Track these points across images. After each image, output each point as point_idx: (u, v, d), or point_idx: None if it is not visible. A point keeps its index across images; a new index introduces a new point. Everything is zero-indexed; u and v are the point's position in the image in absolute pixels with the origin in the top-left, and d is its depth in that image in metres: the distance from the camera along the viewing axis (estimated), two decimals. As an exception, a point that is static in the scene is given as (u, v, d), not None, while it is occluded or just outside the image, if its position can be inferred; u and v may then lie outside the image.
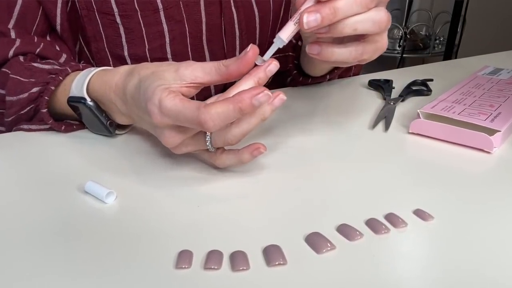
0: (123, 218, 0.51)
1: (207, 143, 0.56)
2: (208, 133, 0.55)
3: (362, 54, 0.58)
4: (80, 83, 0.66)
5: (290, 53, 0.90)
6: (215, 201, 0.55)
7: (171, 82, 0.53)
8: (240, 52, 0.88)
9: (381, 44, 0.60)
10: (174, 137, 0.55)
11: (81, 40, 0.82)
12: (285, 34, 0.56)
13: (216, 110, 0.49)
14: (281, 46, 0.56)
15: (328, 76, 0.90)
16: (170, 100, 0.51)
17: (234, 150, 0.58)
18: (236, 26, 0.86)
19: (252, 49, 0.53)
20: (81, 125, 0.72)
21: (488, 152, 0.65)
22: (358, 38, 0.59)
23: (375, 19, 0.55)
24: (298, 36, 0.90)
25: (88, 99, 0.66)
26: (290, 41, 0.91)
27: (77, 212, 0.53)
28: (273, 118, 0.77)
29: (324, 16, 0.52)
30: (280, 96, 0.53)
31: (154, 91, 0.53)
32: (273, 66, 0.54)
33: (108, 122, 0.67)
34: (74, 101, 0.67)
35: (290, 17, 0.56)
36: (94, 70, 0.67)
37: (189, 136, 0.56)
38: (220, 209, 0.53)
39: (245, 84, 0.53)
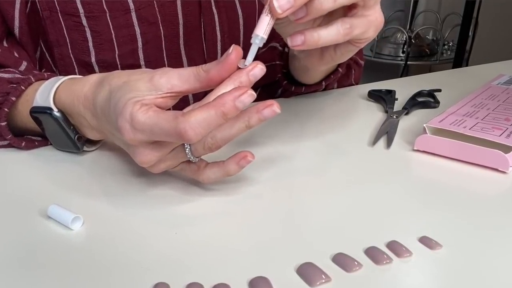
0: (92, 246, 0.51)
1: (187, 153, 0.56)
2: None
3: (351, 28, 0.58)
4: (46, 92, 0.66)
5: (277, 62, 0.91)
6: (195, 226, 0.55)
7: (145, 93, 0.53)
8: None
9: (374, 18, 0.60)
10: (149, 155, 0.55)
11: (42, 45, 0.82)
12: (261, 29, 0.55)
13: (196, 118, 0.49)
14: (261, 45, 0.56)
15: (323, 83, 0.90)
16: (143, 114, 0.51)
17: (218, 162, 0.58)
18: (217, 28, 0.87)
19: (234, 51, 0.52)
20: (44, 141, 0.72)
21: (504, 172, 0.66)
22: (345, 15, 0.59)
23: None
24: (284, 43, 0.90)
25: (55, 109, 0.65)
26: (276, 49, 0.91)
27: (39, 240, 0.52)
28: (262, 133, 0.77)
29: None
30: (272, 108, 0.52)
31: (125, 105, 0.53)
32: (258, 69, 0.53)
33: (76, 137, 0.67)
34: (39, 112, 0.66)
35: None
36: (62, 79, 0.66)
37: (166, 153, 0.56)
38: (200, 235, 0.53)
39: (225, 89, 0.52)
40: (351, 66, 0.96)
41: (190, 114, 0.49)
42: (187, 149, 0.56)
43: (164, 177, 0.63)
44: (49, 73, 0.72)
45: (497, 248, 0.51)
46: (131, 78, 0.55)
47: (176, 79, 0.53)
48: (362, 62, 0.99)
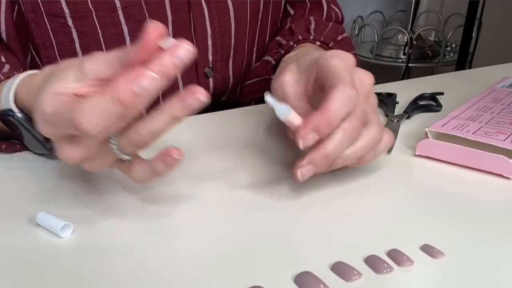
0: (82, 255, 0.51)
1: (114, 149, 0.52)
2: (114, 137, 0.52)
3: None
4: (6, 92, 0.63)
5: (272, 76, 0.90)
6: (189, 235, 0.55)
7: (70, 82, 0.49)
8: (212, 55, 0.88)
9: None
10: (71, 151, 0.51)
11: (32, 49, 0.82)
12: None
13: (89, 106, 0.44)
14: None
15: None
16: (50, 103, 0.48)
17: (147, 160, 0.54)
18: (208, 23, 0.87)
19: (153, 28, 0.45)
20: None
21: (508, 178, 0.66)
22: None
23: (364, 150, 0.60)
24: (277, 58, 0.92)
25: (16, 111, 0.63)
26: (270, 63, 0.93)
27: (28, 248, 0.52)
28: (258, 136, 0.77)
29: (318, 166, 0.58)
30: (195, 95, 0.47)
31: (42, 95, 0.49)
32: (183, 50, 0.46)
33: (43, 137, 0.63)
34: (4, 115, 0.64)
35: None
36: (21, 76, 0.64)
37: (89, 148, 0.51)
38: (194, 243, 0.53)
39: None
40: None
41: (84, 102, 0.45)
42: (114, 146, 0.52)
43: (158, 184, 0.63)
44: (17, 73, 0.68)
45: (501, 257, 0.51)
46: (66, 65, 0.51)
47: (102, 64, 0.48)
48: None
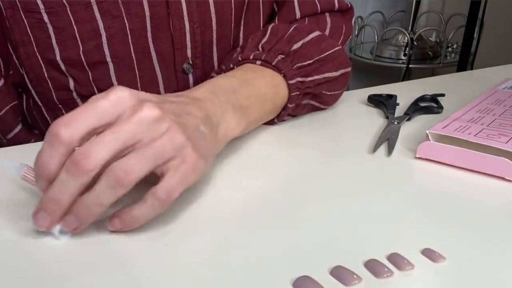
0: (79, 258, 0.51)
1: None
2: None
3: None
4: None
5: None
6: (186, 239, 0.55)
7: None
8: (191, 51, 0.86)
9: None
10: None
11: (9, 46, 0.83)
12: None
13: None
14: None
15: (276, 120, 0.84)
16: None
17: None
18: (186, 18, 0.85)
19: None
20: None
21: (510, 181, 0.66)
22: None
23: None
24: (218, 71, 0.88)
25: None
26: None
27: (25, 251, 0.52)
28: (255, 138, 0.78)
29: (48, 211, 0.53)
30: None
31: None
32: None
33: None
34: None
35: None
36: None
37: None
38: (192, 248, 0.53)
39: None
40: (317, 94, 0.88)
41: None
42: None
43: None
44: None
45: (503, 261, 0.51)
46: None
47: None
48: (338, 74, 0.89)
